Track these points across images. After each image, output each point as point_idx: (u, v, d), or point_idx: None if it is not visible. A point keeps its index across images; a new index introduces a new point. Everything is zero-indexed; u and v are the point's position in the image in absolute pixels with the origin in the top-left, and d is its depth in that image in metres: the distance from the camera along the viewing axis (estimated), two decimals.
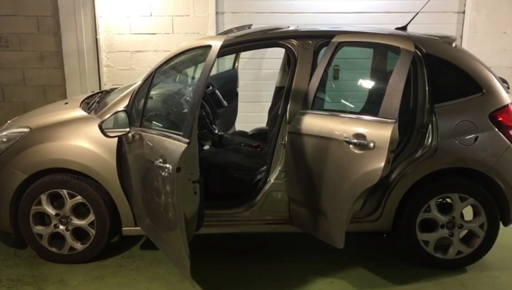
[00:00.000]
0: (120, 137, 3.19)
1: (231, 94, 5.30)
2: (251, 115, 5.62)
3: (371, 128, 2.74)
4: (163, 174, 2.56)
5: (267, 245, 3.77)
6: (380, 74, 3.68)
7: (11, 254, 3.60)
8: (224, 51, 3.32)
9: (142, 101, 3.14)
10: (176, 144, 2.55)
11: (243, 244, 3.77)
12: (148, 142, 2.89)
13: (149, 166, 2.81)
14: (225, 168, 3.68)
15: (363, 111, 3.39)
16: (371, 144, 2.68)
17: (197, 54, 2.98)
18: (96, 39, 5.99)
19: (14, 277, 3.28)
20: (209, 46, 2.64)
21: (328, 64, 3.20)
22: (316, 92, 3.16)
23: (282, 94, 3.41)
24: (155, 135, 2.85)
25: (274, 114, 3.85)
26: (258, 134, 4.63)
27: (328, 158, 2.95)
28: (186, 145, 2.46)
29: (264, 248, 3.72)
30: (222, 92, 4.94)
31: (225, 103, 4.93)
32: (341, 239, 2.92)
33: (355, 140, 2.78)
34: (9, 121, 3.81)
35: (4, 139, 3.42)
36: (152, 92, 3.21)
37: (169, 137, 2.67)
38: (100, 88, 5.83)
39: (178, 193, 2.50)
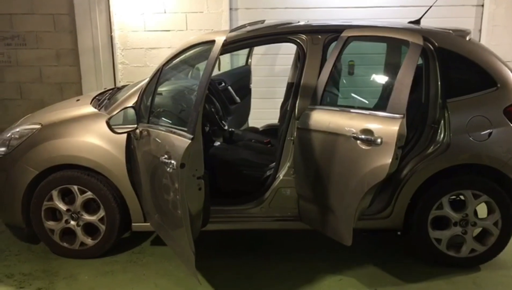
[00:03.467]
0: (129, 134, 3.21)
1: (244, 91, 5.28)
2: (265, 111, 5.58)
3: (378, 124, 2.69)
4: (168, 170, 2.56)
5: (276, 242, 3.74)
6: (393, 69, 3.62)
7: (24, 249, 3.65)
8: (232, 46, 3.34)
9: (150, 98, 3.14)
10: (181, 140, 2.54)
11: (251, 240, 3.76)
12: (155, 138, 2.90)
13: (156, 163, 2.81)
14: (235, 165, 3.67)
15: (376, 107, 3.33)
16: (379, 140, 2.63)
17: (204, 49, 2.97)
18: (111, 36, 6.04)
19: (26, 271, 3.33)
20: (213, 41, 2.62)
21: (337, 59, 3.15)
22: (325, 87, 3.12)
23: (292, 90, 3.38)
24: (161, 131, 2.85)
25: (284, 110, 3.82)
26: (269, 130, 4.61)
27: (336, 154, 2.91)
28: (190, 141, 2.45)
29: (272, 245, 3.70)
30: (235, 89, 4.93)
31: (238, 99, 4.91)
32: (349, 236, 2.88)
33: (362, 136, 2.73)
34: (22, 118, 3.86)
35: (17, 136, 3.47)
36: (160, 89, 3.21)
37: (174, 133, 2.67)
38: (115, 85, 5.87)
39: (182, 189, 2.50)
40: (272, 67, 6.12)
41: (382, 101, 3.39)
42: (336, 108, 3.08)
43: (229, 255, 3.54)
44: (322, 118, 3.03)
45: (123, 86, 4.18)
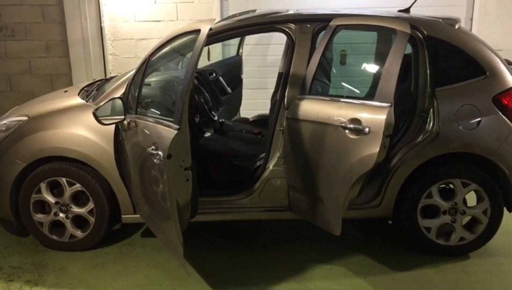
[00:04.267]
0: (117, 125, 3.18)
1: (236, 81, 5.25)
2: (256, 102, 5.56)
3: (366, 113, 2.68)
4: (155, 161, 2.54)
5: (266, 232, 3.75)
6: (383, 58, 3.59)
7: (13, 242, 3.63)
8: (220, 36, 3.31)
9: (137, 89, 3.11)
10: (167, 131, 2.52)
11: (241, 231, 3.76)
12: (142, 129, 2.87)
13: (144, 154, 2.79)
14: (225, 155, 3.66)
15: (367, 97, 3.32)
16: (366, 129, 2.61)
17: (190, 39, 2.93)
18: (101, 27, 5.98)
19: (15, 264, 3.31)
20: (199, 31, 2.59)
21: (326, 48, 3.13)
22: (314, 77, 3.10)
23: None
24: (148, 122, 2.83)
25: (274, 100, 3.80)
26: (260, 120, 4.60)
27: (325, 144, 2.90)
28: (176, 131, 2.43)
29: (262, 236, 3.70)
30: (226, 79, 4.90)
31: (229, 90, 4.89)
32: (338, 226, 2.88)
33: (351, 125, 2.72)
34: (10, 111, 3.83)
35: (3, 128, 3.44)
36: (147, 79, 3.19)
37: (161, 123, 2.64)
38: (105, 76, 5.83)
39: (169, 180, 2.48)
40: (264, 57, 6.09)
41: (372, 90, 3.38)
42: (325, 98, 3.06)
43: (219, 246, 3.53)
44: (311, 107, 3.01)
45: (112, 77, 4.15)
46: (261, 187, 3.34)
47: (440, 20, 3.32)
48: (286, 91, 3.22)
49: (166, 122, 2.60)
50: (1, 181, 3.38)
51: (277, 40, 5.60)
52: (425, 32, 3.15)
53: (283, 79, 3.28)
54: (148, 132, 2.79)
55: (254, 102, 5.64)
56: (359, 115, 2.70)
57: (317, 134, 2.95)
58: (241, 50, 5.51)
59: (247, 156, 3.62)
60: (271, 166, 3.32)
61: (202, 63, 4.89)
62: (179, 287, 3.02)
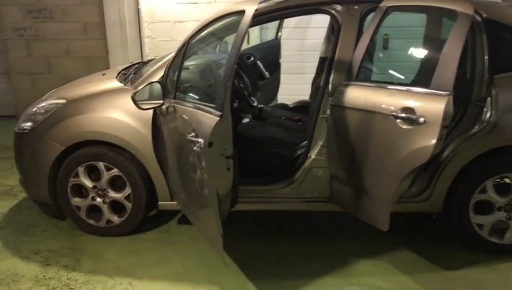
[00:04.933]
0: (155, 109, 3.09)
1: (273, 65, 5.10)
2: (294, 87, 5.41)
3: (421, 101, 2.48)
4: (195, 149, 2.43)
5: (306, 224, 3.61)
6: (434, 43, 3.38)
7: (51, 225, 3.63)
8: (262, 18, 3.15)
9: (176, 72, 3.01)
10: (208, 117, 2.40)
11: (279, 222, 3.64)
12: (182, 115, 2.77)
13: (182, 140, 2.69)
14: (264, 143, 3.52)
15: (414, 83, 3.12)
16: (421, 119, 2.43)
17: (232, 21, 2.80)
18: (138, 9, 5.93)
19: (53, 248, 3.30)
20: (243, 12, 2.45)
21: (375, 32, 2.94)
22: (361, 62, 2.92)
23: (326, 65, 3.20)
24: (188, 108, 2.72)
25: (317, 86, 3.64)
26: (300, 107, 4.42)
27: (373, 134, 2.73)
28: (218, 118, 2.31)
29: (303, 227, 3.58)
30: (264, 63, 4.75)
31: (267, 74, 4.74)
32: (385, 221, 2.71)
33: (403, 115, 2.53)
34: (48, 93, 3.80)
35: (42, 111, 3.41)
36: (186, 63, 3.07)
37: (201, 109, 2.52)
38: (142, 59, 5.77)
39: (210, 169, 2.37)
40: (302, 41, 5.91)
41: (421, 77, 3.18)
42: (373, 84, 2.88)
43: (258, 236, 3.43)
44: (358, 94, 2.84)
45: (149, 60, 4.06)
46: (302, 176, 3.20)
47: (500, 1, 3.08)
48: (331, 77, 3.05)
49: (206, 108, 2.49)
50: (40, 164, 3.36)
51: (317, 24, 5.42)
52: (483, 15, 2.91)
53: (328, 64, 3.11)
54: (187, 118, 2.68)
55: (292, 87, 5.49)
56: (412, 104, 2.51)
57: (364, 123, 2.78)
58: (279, 34, 5.35)
59: (287, 144, 3.48)
60: (313, 155, 3.18)
61: None
62: (216, 277, 2.94)
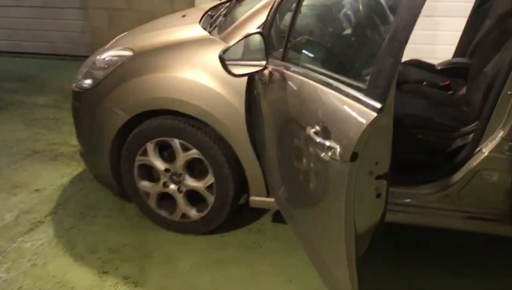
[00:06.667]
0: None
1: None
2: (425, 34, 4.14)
3: None
4: (322, 155, 1.44)
5: (457, 247, 2.56)
6: None
7: (116, 208, 2.90)
8: None
9: (289, 19, 1.97)
10: (354, 109, 1.37)
11: (417, 237, 2.60)
12: (298, 91, 1.76)
13: (295, 129, 1.72)
14: (403, 124, 2.40)
15: None
16: None
17: None
18: None
19: (114, 245, 2.55)
20: None
21: None
22: None
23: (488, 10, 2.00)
24: (310, 81, 1.69)
25: (488, 41, 2.46)
26: (450, 69, 3.11)
27: None
28: (375, 114, 1.28)
29: (451, 252, 2.53)
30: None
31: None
32: None
33: None
34: (115, 39, 2.94)
35: (104, 65, 2.56)
36: (306, 3, 2.00)
37: (339, 91, 1.49)
38: None
39: (349, 194, 1.38)
40: None
41: None
42: None
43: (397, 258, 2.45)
44: None
45: None
46: (465, 180, 2.12)
47: None
48: None
49: (351, 91, 1.44)
50: (100, 135, 2.59)
51: None
52: None
53: None
54: (308, 99, 1.67)
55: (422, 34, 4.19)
56: None
57: None
58: None
59: (440, 127, 2.36)
60: (485, 150, 2.07)
61: None
62: None
